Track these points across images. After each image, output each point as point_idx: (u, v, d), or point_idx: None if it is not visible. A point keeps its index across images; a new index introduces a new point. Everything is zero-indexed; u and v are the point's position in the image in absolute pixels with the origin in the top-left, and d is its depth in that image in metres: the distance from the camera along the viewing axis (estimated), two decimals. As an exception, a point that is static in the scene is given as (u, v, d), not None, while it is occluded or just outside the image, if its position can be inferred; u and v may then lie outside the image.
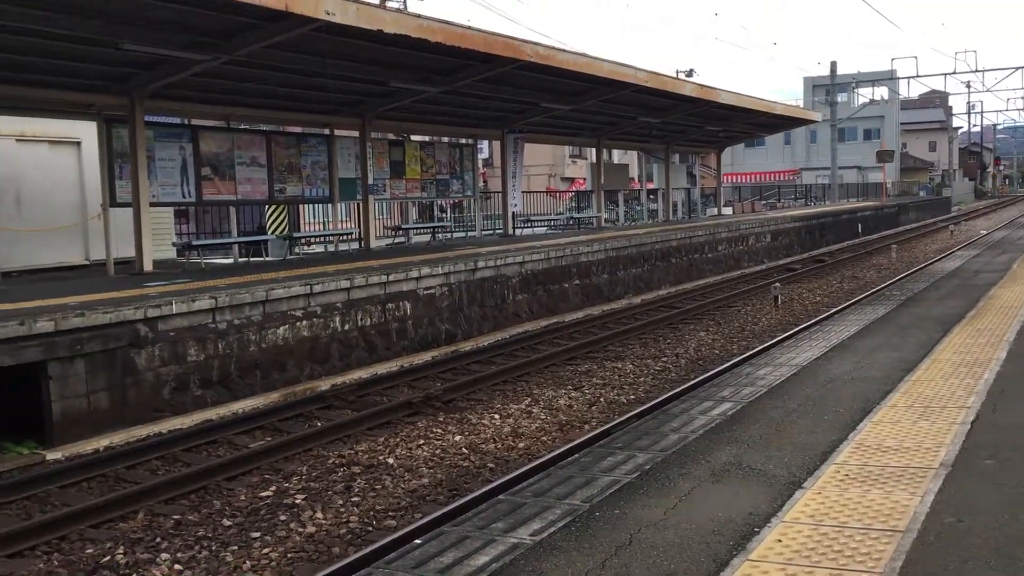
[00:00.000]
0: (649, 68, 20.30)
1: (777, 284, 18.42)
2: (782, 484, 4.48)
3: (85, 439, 8.69)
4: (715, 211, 37.52)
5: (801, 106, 51.26)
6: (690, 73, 42.88)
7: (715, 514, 4.08)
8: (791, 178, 63.87)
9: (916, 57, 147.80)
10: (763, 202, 49.27)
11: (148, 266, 14.21)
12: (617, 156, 42.75)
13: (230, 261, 18.04)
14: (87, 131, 15.67)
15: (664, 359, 12.60)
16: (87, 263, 16.69)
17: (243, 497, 7.26)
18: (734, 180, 60.72)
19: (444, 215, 30.36)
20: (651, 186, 35.49)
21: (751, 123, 31.46)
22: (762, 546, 3.69)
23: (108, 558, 6.10)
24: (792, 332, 13.09)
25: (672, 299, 18.55)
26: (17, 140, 15.98)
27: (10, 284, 13.23)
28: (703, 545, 3.72)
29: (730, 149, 44.94)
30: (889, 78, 58.26)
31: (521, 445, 8.56)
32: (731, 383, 7.17)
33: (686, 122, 27.97)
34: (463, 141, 23.22)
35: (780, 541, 3.73)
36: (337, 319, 11.82)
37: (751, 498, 4.29)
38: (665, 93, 21.66)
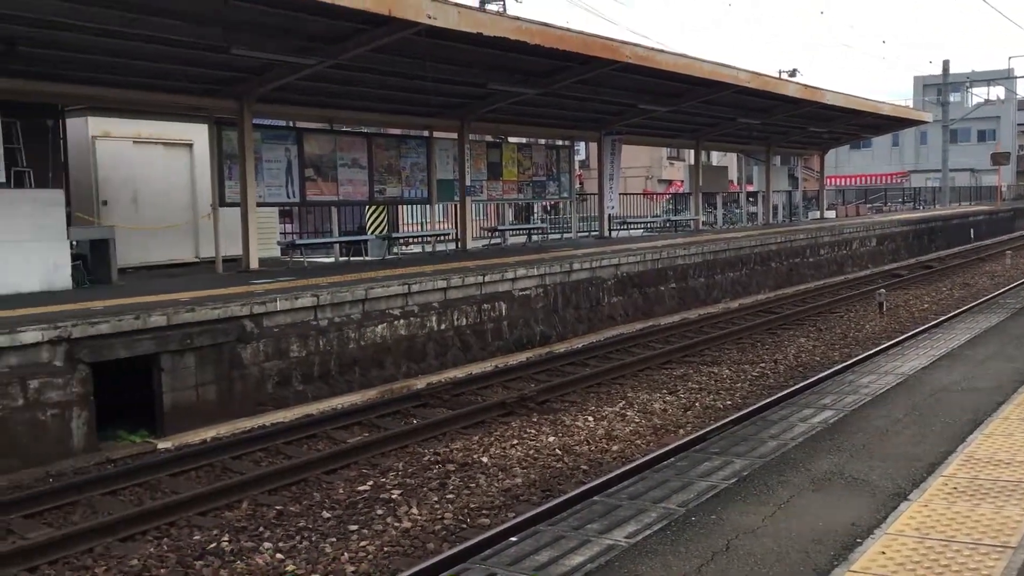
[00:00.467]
0: (750, 68, 19.94)
1: (882, 290, 17.84)
2: (886, 495, 4.35)
3: (193, 430, 9.04)
4: (817, 214, 36.55)
5: (911, 106, 49.46)
6: (793, 73, 41.94)
7: (815, 523, 3.99)
8: (899, 181, 61.74)
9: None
10: (868, 205, 47.79)
11: (254, 264, 14.69)
12: (716, 158, 42.07)
13: (331, 260, 18.49)
14: (199, 133, 16.31)
15: (762, 365, 12.35)
16: (197, 260, 17.35)
17: (341, 490, 7.44)
18: (838, 183, 59.05)
19: (548, 216, 30.43)
20: (751, 188, 34.83)
21: (857, 124, 30.54)
22: (864, 558, 3.58)
23: (214, 544, 6.33)
24: (898, 340, 12.65)
25: (771, 304, 18.16)
26: (134, 142, 16.73)
27: (126, 279, 13.87)
28: (802, 554, 3.64)
29: (834, 151, 43.71)
30: (1006, 77, 55.69)
31: (615, 448, 8.53)
32: (833, 391, 6.99)
33: (788, 123, 27.34)
34: (560, 143, 23.24)
35: (883, 553, 3.62)
36: (433, 318, 11.99)
37: (853, 508, 4.17)
38: (767, 94, 21.23)
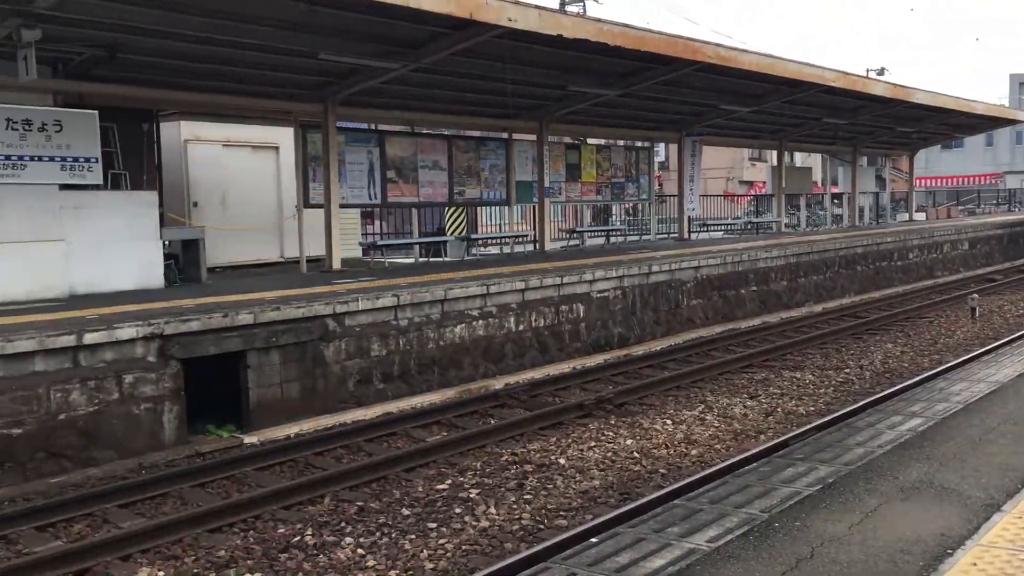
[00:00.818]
0: (836, 67, 19.49)
1: (975, 295, 17.23)
2: (978, 505, 4.21)
3: (277, 426, 9.27)
4: (906, 216, 35.50)
5: (1007, 105, 47.64)
6: (881, 72, 40.84)
7: (903, 532, 3.88)
8: (993, 182, 59.48)
9: None
10: (960, 207, 46.20)
11: (336, 264, 14.98)
12: (800, 159, 41.24)
13: (411, 261, 18.73)
14: (285, 137, 16.71)
15: (847, 370, 12.06)
16: (282, 260, 17.77)
17: (420, 488, 7.52)
18: (928, 184, 57.22)
19: (627, 217, 30.26)
20: (836, 190, 34.03)
21: (948, 124, 29.56)
22: (955, 569, 3.48)
23: (298, 538, 6.48)
24: (991, 347, 12.21)
25: (856, 308, 17.71)
26: (223, 145, 17.24)
27: (215, 278, 14.30)
28: (890, 564, 3.55)
29: (924, 151, 42.39)
30: (1110, 73, 53.12)
31: (694, 452, 8.43)
32: (922, 398, 6.78)
33: (876, 123, 26.63)
34: (639, 144, 23.09)
35: (975, 565, 3.51)
36: (511, 319, 12.04)
37: (943, 518, 4.05)
38: (854, 93, 20.72)
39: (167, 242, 13.66)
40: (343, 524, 6.75)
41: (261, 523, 6.82)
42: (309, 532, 6.58)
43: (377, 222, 22.13)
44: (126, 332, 8.37)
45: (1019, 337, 12.33)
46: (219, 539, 6.49)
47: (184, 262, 14.14)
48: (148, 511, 7.12)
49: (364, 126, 17.92)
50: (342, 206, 15.45)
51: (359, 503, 7.18)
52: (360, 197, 16.11)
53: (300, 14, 11.31)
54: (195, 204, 16.72)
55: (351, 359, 10.15)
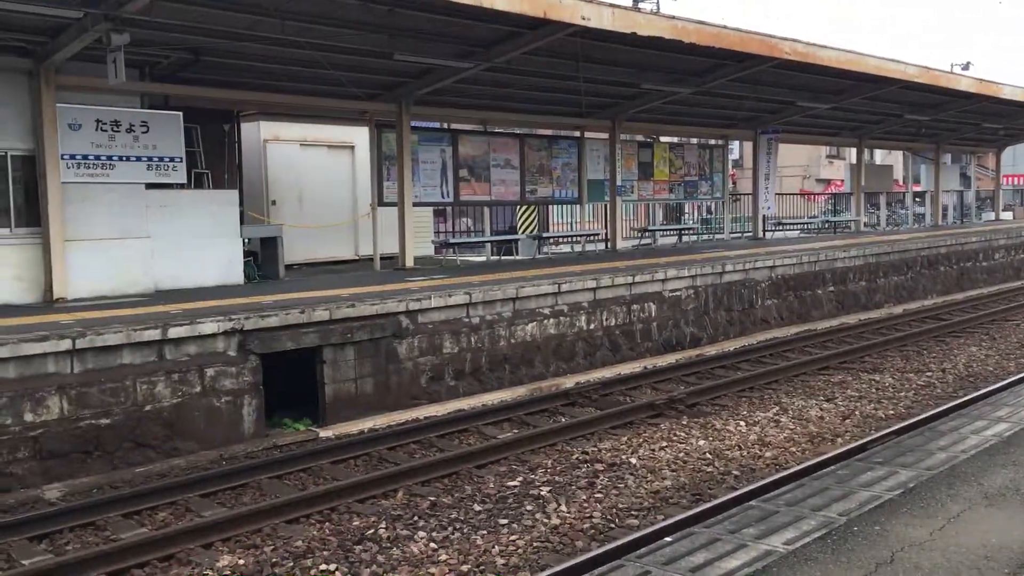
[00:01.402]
0: (919, 62, 18.96)
1: (1065, 297, 16.59)
2: (1068, 514, 4.07)
3: (352, 420, 9.44)
4: (992, 215, 34.33)
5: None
6: (966, 66, 39.56)
7: (987, 539, 3.78)
8: (1085, 180, 57.02)
9: None
10: (1050, 206, 44.47)
11: (410, 262, 15.16)
12: (879, 156, 40.21)
13: (483, 259, 18.84)
14: (359, 136, 16.97)
15: (928, 374, 11.73)
16: (356, 258, 18.06)
17: (492, 485, 7.57)
18: (1016, 182, 55.15)
19: (705, 216, 29.91)
20: (918, 188, 33.09)
21: (1038, 119, 28.46)
22: (1044, 579, 3.38)
23: (372, 531, 6.58)
24: (1083, 351, 11.75)
25: (939, 310, 17.21)
26: (301, 145, 17.60)
27: (292, 275, 14.61)
28: (974, 571, 3.46)
29: (1011, 148, 40.91)
30: None
31: (768, 454, 8.31)
32: (1008, 402, 6.58)
33: (960, 119, 25.80)
34: (712, 142, 22.81)
35: (1066, 576, 3.40)
36: (583, 318, 12.03)
37: (1031, 527, 3.93)
38: (937, 89, 20.11)
39: (247, 239, 14.00)
40: (416, 518, 6.84)
41: (336, 515, 6.95)
42: (383, 525, 6.68)
43: (449, 220, 22.32)
44: (208, 327, 8.62)
45: (1113, 341, 11.84)
46: (296, 530, 6.64)
47: (263, 259, 14.48)
48: (228, 501, 7.32)
49: (437, 125, 18.09)
50: (415, 204, 15.63)
51: (432, 498, 7.26)
52: (433, 195, 16.28)
53: (377, 16, 11.48)
54: (273, 203, 17.11)
55: (423, 356, 10.27)
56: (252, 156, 16.92)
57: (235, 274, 12.89)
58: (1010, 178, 52.47)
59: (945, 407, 9.13)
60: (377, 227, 15.31)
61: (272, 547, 6.35)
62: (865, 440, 8.09)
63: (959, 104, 22.93)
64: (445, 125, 18.26)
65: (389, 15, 11.46)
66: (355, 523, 6.78)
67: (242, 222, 13.74)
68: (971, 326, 15.44)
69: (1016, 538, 3.78)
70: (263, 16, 10.96)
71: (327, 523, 6.80)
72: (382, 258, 15.56)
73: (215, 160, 14.84)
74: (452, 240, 19.81)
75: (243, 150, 16.56)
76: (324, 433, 9.09)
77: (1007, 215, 36.30)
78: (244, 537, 6.50)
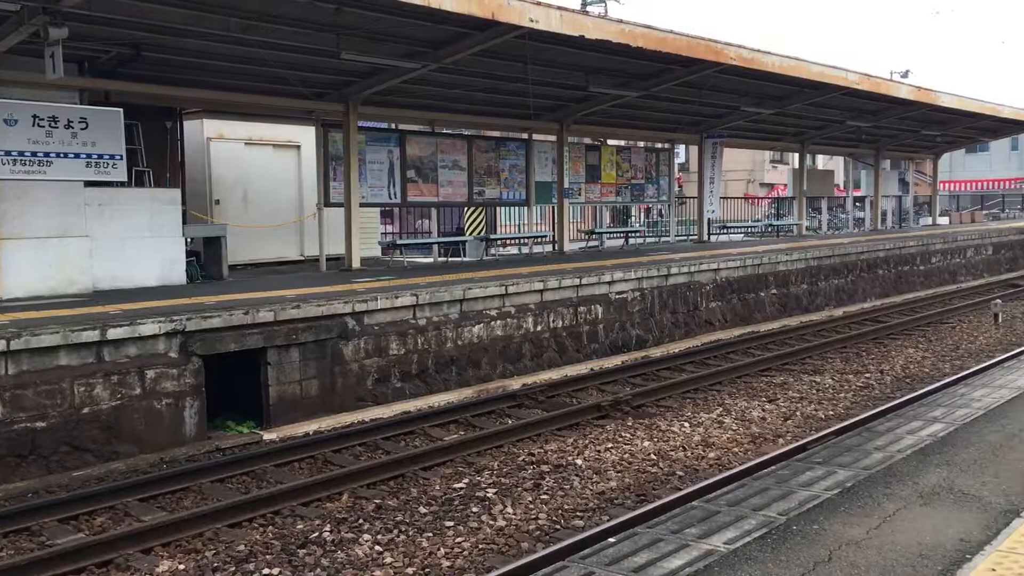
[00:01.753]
0: (860, 69, 19.38)
1: (998, 300, 17.08)
2: (998, 511, 4.19)
3: (296, 423, 9.34)
4: (929, 220, 35.23)
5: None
6: (905, 74, 40.55)
7: (922, 537, 3.87)
8: (1018, 186, 58.87)
9: None
10: (985, 212, 45.80)
11: (356, 263, 15.06)
12: (821, 161, 40.98)
13: (430, 260, 18.79)
14: (306, 135, 16.80)
15: (867, 375, 11.99)
16: (302, 259, 17.88)
17: (438, 487, 7.56)
18: (952, 188, 56.73)
19: (647, 219, 30.18)
20: (858, 193, 33.81)
21: (973, 127, 29.31)
22: (973, 574, 3.47)
23: (316, 534, 6.52)
24: (1015, 353, 12.11)
25: (877, 313, 17.60)
26: (246, 144, 17.37)
27: (236, 276, 14.40)
28: (908, 568, 3.54)
29: (948, 155, 42.04)
30: None
31: (711, 455, 8.42)
32: (943, 403, 6.75)
33: (900, 126, 26.46)
34: (659, 145, 23.05)
35: (993, 571, 3.49)
36: (530, 320, 12.06)
37: (962, 524, 4.03)
38: (877, 95, 20.59)
39: (189, 239, 13.78)
40: (361, 521, 6.79)
41: (280, 519, 6.87)
42: (327, 528, 6.62)
43: (396, 221, 22.22)
44: (148, 328, 8.46)
45: (1042, 343, 12.22)
46: (239, 534, 6.54)
47: (206, 259, 14.26)
48: (169, 505, 7.19)
49: (385, 125, 17.99)
50: (362, 205, 15.53)
51: (377, 500, 7.22)
52: (380, 196, 16.19)
53: (325, 14, 11.38)
54: (217, 202, 16.85)
55: (370, 357, 10.20)
56: (195, 154, 16.64)
57: (177, 274, 12.67)
58: (946, 184, 53.95)
59: (882, 408, 9.34)
60: (323, 228, 15.17)
61: (214, 551, 6.25)
62: (805, 440, 8.25)
63: (898, 111, 23.50)
64: (393, 126, 18.17)
65: (336, 14, 11.37)
66: (299, 526, 6.71)
67: (184, 221, 13.50)
68: (908, 328, 15.82)
69: (949, 536, 3.88)
70: (206, 12, 10.80)
71: (270, 527, 6.72)
72: (328, 259, 15.43)
73: (157, 158, 14.56)
74: (399, 241, 19.71)
75: (186, 148, 16.28)
76: (268, 435, 8.98)
77: (944, 220, 37.26)
78: (185, 542, 6.39)
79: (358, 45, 12.49)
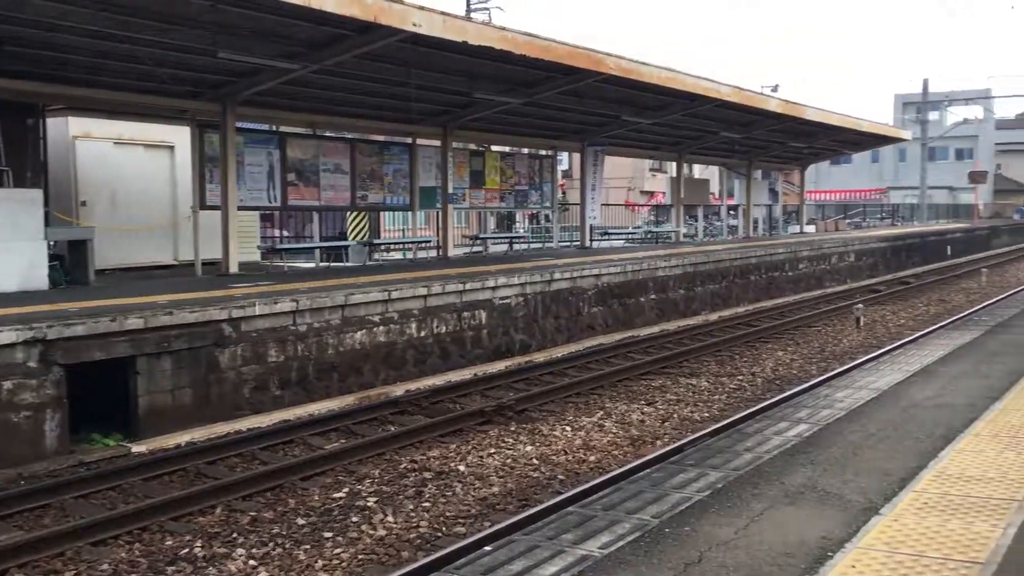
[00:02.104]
0: (733, 83, 20.10)
1: (860, 305, 18.00)
2: (858, 509, 4.38)
3: (168, 433, 8.99)
4: (797, 229, 36.81)
5: (891, 124, 49.96)
6: (775, 88, 42.22)
7: (787, 536, 4.01)
8: (878, 197, 62.26)
9: (1015, 76, 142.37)
10: (848, 221, 48.19)
11: (233, 268, 14.64)
12: (698, 171, 42.32)
13: (311, 265, 18.43)
14: (180, 136, 16.22)
15: (740, 377, 12.42)
16: (176, 263, 17.24)
17: (317, 497, 7.41)
18: (818, 198, 59.43)
19: (531, 225, 30.44)
20: (732, 202, 35.04)
21: (837, 140, 30.83)
22: (834, 571, 3.61)
23: (187, 550, 6.29)
24: (874, 355, 12.75)
25: (750, 317, 18.26)
26: (115, 143, 16.63)
27: (104, 281, 13.76)
28: (774, 567, 3.66)
29: (814, 166, 44.05)
30: (984, 97, 56.42)
31: (592, 458, 8.54)
32: (809, 404, 7.04)
33: (769, 138, 27.57)
34: (543, 152, 23.31)
35: (854, 567, 3.65)
36: (413, 326, 11.98)
37: (825, 522, 4.20)
38: (749, 108, 21.41)
39: (52, 242, 13.09)
40: (235, 535, 6.59)
41: (148, 535, 6.60)
42: (199, 544, 6.40)
43: (277, 226, 21.72)
44: (4, 336, 7.98)
45: (899, 346, 12.91)
46: (103, 552, 6.25)
47: (71, 263, 13.56)
48: (27, 524, 6.80)
49: (265, 127, 17.56)
50: (240, 208, 15.11)
51: (252, 513, 7.02)
52: (259, 199, 15.79)
53: (201, 11, 11.02)
54: (83, 203, 16.07)
55: (247, 365, 9.93)
56: (59, 153, 15.82)
57: (38, 279, 12.01)
58: (813, 193, 56.47)
59: (752, 409, 9.69)
60: (199, 231, 14.68)
61: (75, 571, 5.95)
62: (681, 443, 8.47)
63: (768, 123, 24.49)
64: (274, 127, 17.75)
65: (213, 11, 11.03)
66: (168, 543, 6.46)
67: (47, 223, 12.82)
68: (778, 332, 16.47)
69: (814, 534, 4.04)
70: (72, 4, 10.30)
71: (137, 544, 6.45)
72: (204, 264, 14.93)
73: (16, 157, 13.78)
74: (279, 246, 19.27)
75: (49, 147, 15.46)
76: (137, 448, 8.61)
77: (810, 228, 38.98)
78: (43, 562, 6.06)
79: (236, 44, 12.15)
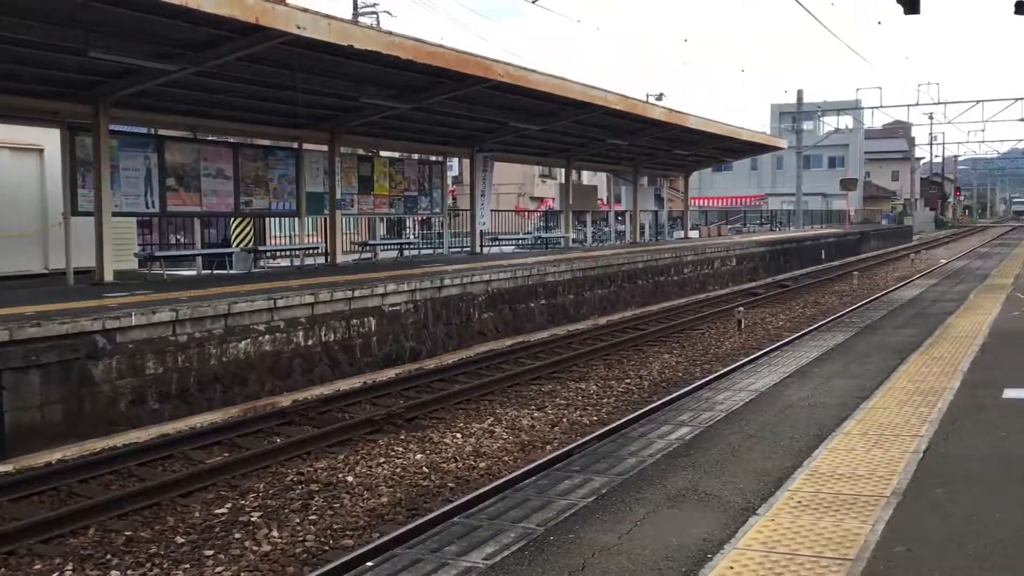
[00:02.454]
0: (619, 91, 20.51)
1: (741, 308, 18.59)
2: (736, 510, 4.50)
3: (38, 451, 8.54)
4: (682, 234, 37.82)
5: (768, 133, 51.94)
6: (660, 97, 43.36)
7: (669, 540, 4.09)
8: (757, 203, 64.59)
9: (881, 88, 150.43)
10: (729, 226, 49.79)
11: (108, 276, 14.05)
12: (586, 177, 43.00)
13: (193, 273, 17.87)
14: (50, 138, 15.47)
15: (628, 380, 12.65)
16: (46, 272, 16.44)
17: (197, 514, 7.17)
18: (701, 204, 61.29)
19: (421, 231, 30.27)
20: (619, 208, 35.72)
21: (719, 148, 31.83)
22: (713, 573, 3.70)
23: (57, 574, 5.98)
24: (753, 357, 13.19)
25: (638, 321, 18.63)
26: (-22, 146, 15.74)
27: (-34, 291, 12.99)
28: (655, 571, 3.73)
29: (698, 173, 45.46)
30: (854, 108, 59.29)
31: (482, 465, 8.54)
32: (691, 407, 7.22)
33: (655, 145, 28.24)
34: (432, 158, 23.25)
35: (732, 568, 3.75)
36: (300, 334, 11.74)
37: (705, 524, 4.30)
38: (635, 116, 21.87)
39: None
40: (109, 556, 6.31)
41: (15, 559, 6.26)
42: (70, 567, 6.10)
43: (156, 232, 20.95)
44: None
45: (776, 348, 13.41)
46: (-37, 581, 5.89)
47: (-72, 273, 12.77)
48: None
49: (143, 130, 16.92)
50: (115, 214, 14.53)
51: (128, 533, 6.74)
52: (136, 205, 15.20)
53: (68, 7, 10.54)
54: (-58, 209, 15.16)
55: (123, 378, 9.53)
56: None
57: None
58: (697, 200, 58.19)
59: (637, 413, 9.87)
60: (70, 238, 14.03)
61: (-69, 604, 5.58)
62: (569, 448, 8.56)
63: (653, 131, 25.08)
64: (151, 130, 17.12)
65: (84, 9, 10.57)
66: (37, 566, 6.14)
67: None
68: (664, 335, 16.86)
69: (694, 537, 4.13)
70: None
71: (3, 568, 6.09)
72: (77, 272, 14.29)
73: None
74: (158, 253, 18.60)
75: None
76: (3, 467, 8.14)
77: (695, 234, 40.13)
78: None
79: (109, 43, 11.68)
